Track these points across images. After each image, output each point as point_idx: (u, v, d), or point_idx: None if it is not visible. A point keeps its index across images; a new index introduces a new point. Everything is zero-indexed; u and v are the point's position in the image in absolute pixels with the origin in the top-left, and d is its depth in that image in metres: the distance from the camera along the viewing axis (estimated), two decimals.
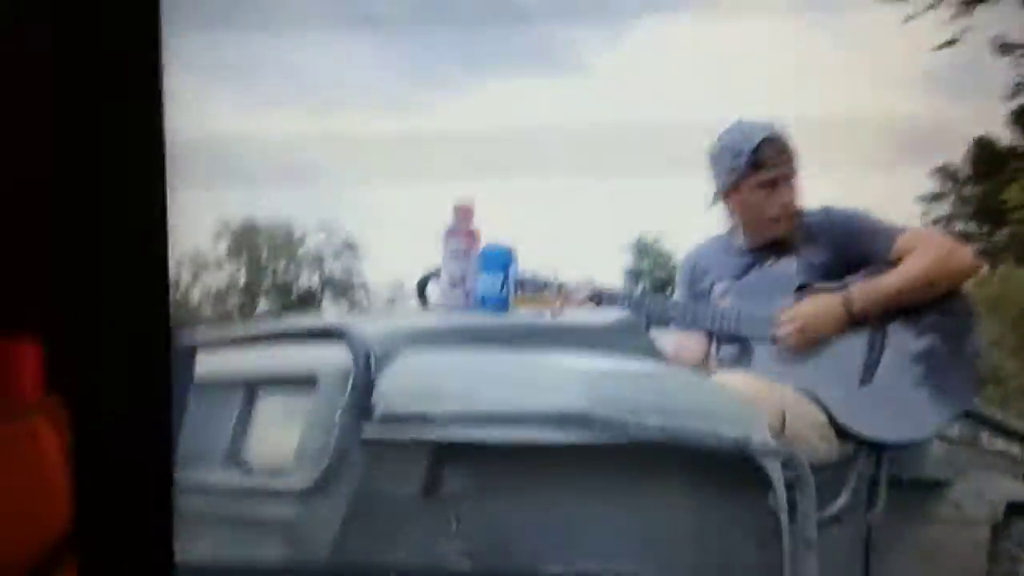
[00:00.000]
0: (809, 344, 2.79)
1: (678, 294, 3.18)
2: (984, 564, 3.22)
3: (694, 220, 3.51)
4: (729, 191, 2.94)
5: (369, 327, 1.88)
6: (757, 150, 2.87)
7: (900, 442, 2.81)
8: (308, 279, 32.35)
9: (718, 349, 2.98)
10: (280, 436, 1.81)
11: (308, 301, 30.99)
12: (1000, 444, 3.88)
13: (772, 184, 2.89)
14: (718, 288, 3.02)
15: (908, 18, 15.71)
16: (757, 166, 2.87)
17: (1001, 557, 3.30)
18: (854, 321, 2.79)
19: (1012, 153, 21.04)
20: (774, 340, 2.80)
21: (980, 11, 15.43)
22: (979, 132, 24.91)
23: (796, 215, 2.95)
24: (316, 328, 1.94)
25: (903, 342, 2.80)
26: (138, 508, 0.83)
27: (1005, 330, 16.93)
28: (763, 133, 2.89)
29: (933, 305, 2.83)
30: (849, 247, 2.88)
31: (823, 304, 2.81)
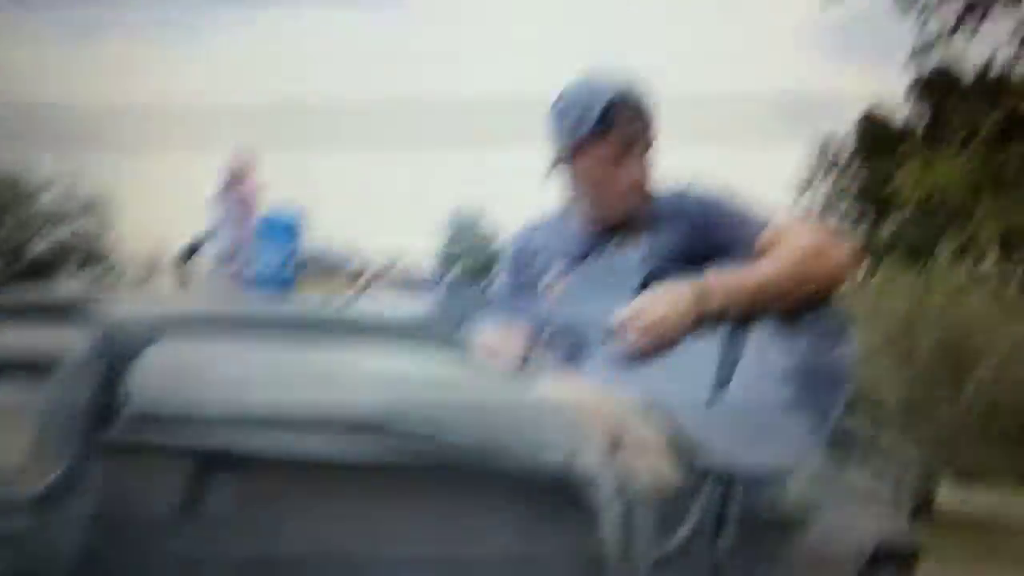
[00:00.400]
0: (654, 347, 2.85)
1: (500, 282, 3.21)
2: None
3: (522, 195, 3.55)
4: (570, 159, 2.99)
5: (118, 306, 1.86)
6: (607, 111, 2.93)
7: (755, 468, 2.89)
8: (43, 243, 31.45)
9: (545, 349, 3.02)
10: (8, 434, 1.78)
11: (43, 269, 30.14)
12: (869, 476, 4.03)
13: (622, 153, 2.95)
14: (549, 276, 3.06)
15: None
16: (606, 130, 2.94)
17: None
18: (708, 320, 2.87)
19: (905, 132, 21.61)
20: (613, 340, 2.85)
21: None
22: (867, 106, 25.59)
23: (648, 192, 3.01)
24: (52, 303, 1.91)
25: (763, 351, 2.88)
26: None
27: (882, 343, 17.43)
28: (615, 92, 2.94)
29: (801, 309, 2.92)
30: (707, 234, 2.95)
31: (673, 298, 2.86)
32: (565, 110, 2.96)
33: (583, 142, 2.95)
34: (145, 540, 1.74)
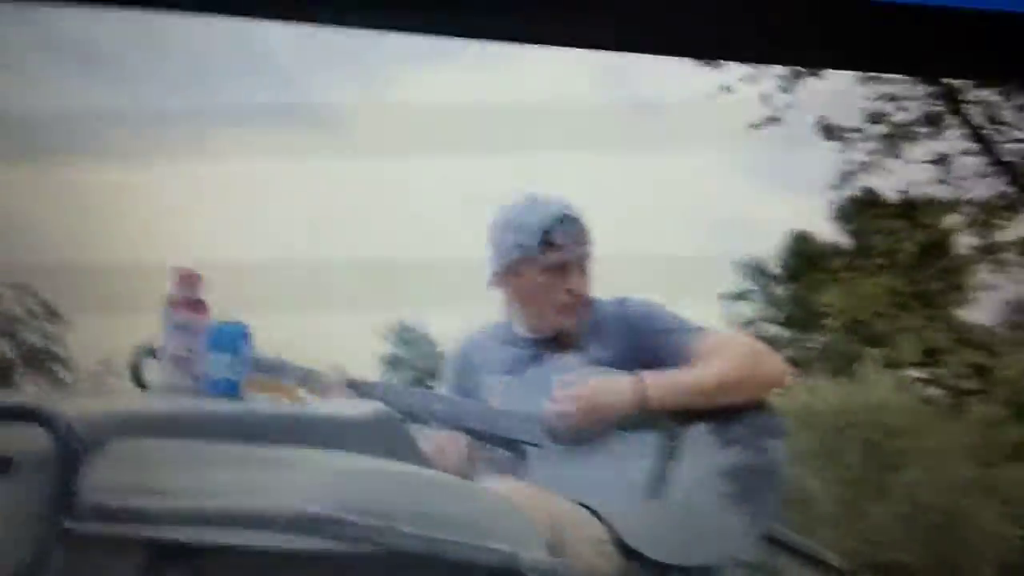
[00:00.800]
0: (591, 427, 2.88)
1: (444, 388, 3.23)
2: None
3: (465, 305, 3.58)
4: (511, 272, 3.04)
5: (73, 407, 1.87)
6: (549, 228, 2.98)
7: (690, 566, 2.89)
8: (1, 347, 31.12)
9: (488, 452, 3.04)
10: None
11: (1, 373, 29.79)
12: (802, 573, 4.05)
13: (563, 268, 3.00)
14: (490, 383, 3.09)
15: (723, 88, 16.16)
16: (548, 246, 2.99)
17: None
18: (645, 415, 2.89)
19: (832, 251, 21.86)
20: (550, 422, 2.88)
21: (804, 87, 16.01)
22: (796, 226, 25.89)
23: (586, 305, 3.05)
24: (11, 406, 1.91)
25: (697, 451, 2.91)
26: None
27: (812, 448, 17.56)
28: (557, 210, 3.00)
29: (734, 415, 2.94)
30: (643, 344, 2.99)
31: (612, 384, 2.91)
32: (507, 227, 3.01)
33: (525, 259, 3.01)
34: None
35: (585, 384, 2.90)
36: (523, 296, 3.06)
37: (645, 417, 2.90)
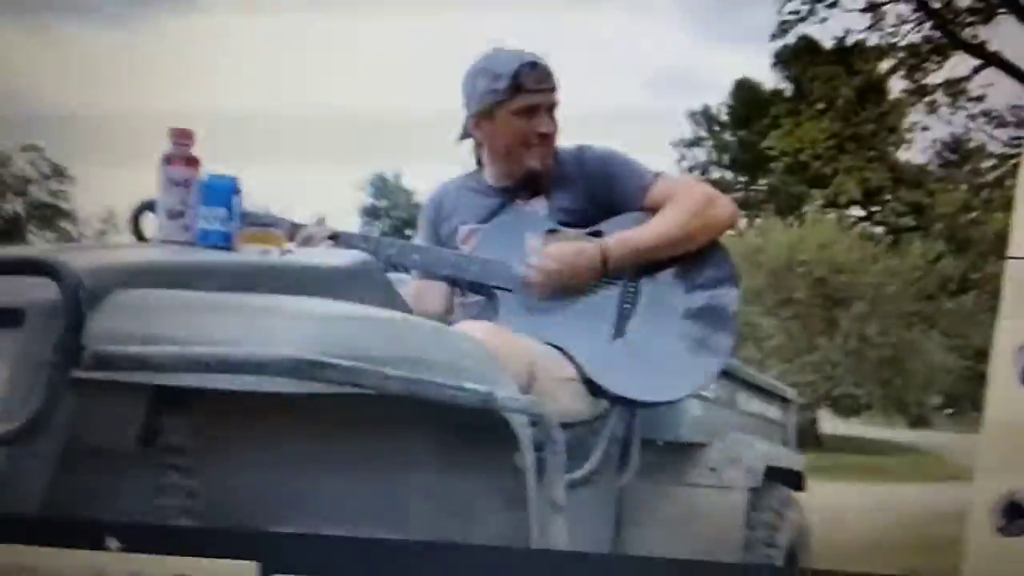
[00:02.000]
0: (560, 289, 2.91)
1: (420, 237, 3.25)
2: (741, 530, 3.37)
3: (440, 157, 3.57)
4: (483, 117, 3.04)
5: (79, 260, 1.86)
6: (518, 73, 2.97)
7: (654, 401, 2.96)
8: (12, 205, 30.99)
9: (463, 297, 3.06)
10: None
11: (12, 229, 29.70)
12: (758, 406, 4.11)
13: (532, 110, 3.00)
14: (462, 231, 3.10)
15: None
16: (517, 90, 2.98)
17: (759, 524, 3.47)
18: (608, 272, 2.93)
19: (775, 97, 21.80)
20: (523, 284, 2.90)
21: None
22: (740, 74, 25.79)
23: (552, 149, 3.05)
24: (20, 259, 1.90)
25: (657, 296, 2.95)
26: None
27: (763, 286, 17.72)
28: (525, 58, 2.99)
29: (689, 257, 2.98)
30: (603, 191, 3.01)
31: (578, 248, 2.93)
32: (478, 75, 3.01)
33: (496, 103, 3.00)
34: (109, 470, 1.77)
35: (555, 256, 2.92)
36: (496, 140, 3.07)
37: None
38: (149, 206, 2.51)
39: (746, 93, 25.92)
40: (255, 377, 1.72)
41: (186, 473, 1.80)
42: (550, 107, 3.02)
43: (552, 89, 3.02)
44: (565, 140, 3.12)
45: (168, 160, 2.27)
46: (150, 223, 2.55)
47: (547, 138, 3.01)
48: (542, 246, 2.94)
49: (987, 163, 17.45)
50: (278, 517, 1.85)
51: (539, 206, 3.04)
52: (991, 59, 14.98)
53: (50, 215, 31.19)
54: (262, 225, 2.37)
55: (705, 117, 27.92)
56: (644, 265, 2.95)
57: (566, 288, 2.91)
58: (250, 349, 1.75)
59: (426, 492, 2.07)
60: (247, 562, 1.73)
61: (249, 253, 2.27)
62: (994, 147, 16.97)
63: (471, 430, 2.09)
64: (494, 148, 3.06)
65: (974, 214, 17.82)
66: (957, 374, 18.51)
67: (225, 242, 2.25)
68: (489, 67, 3.01)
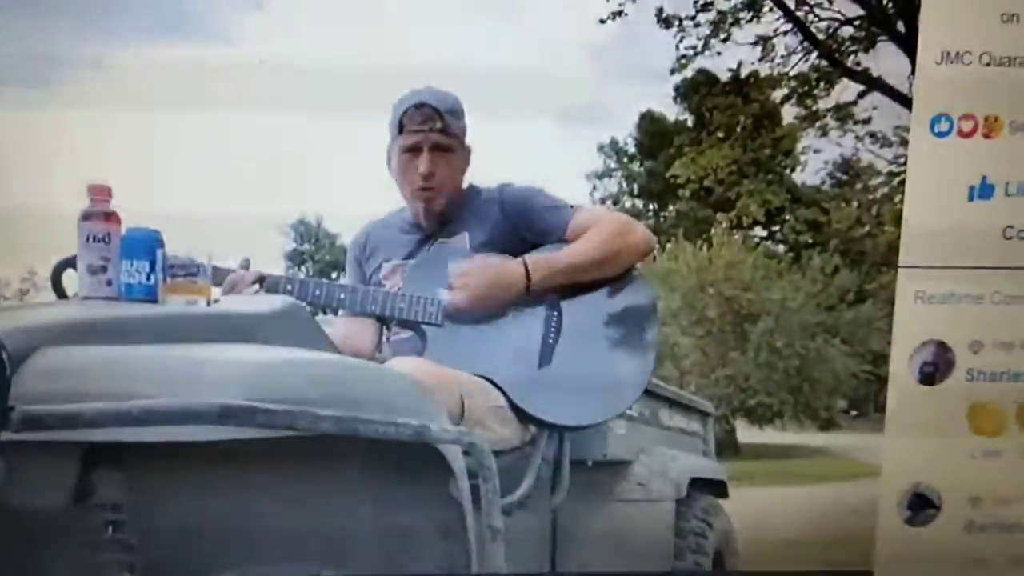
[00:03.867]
0: (485, 306, 2.86)
1: (348, 276, 3.19)
2: (671, 539, 3.39)
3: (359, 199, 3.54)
4: (389, 157, 3.02)
5: (1, 320, 1.79)
6: (405, 112, 2.94)
7: (579, 425, 2.93)
8: None
9: (390, 333, 3.01)
10: None
11: None
12: (679, 420, 4.11)
13: (415, 149, 2.95)
14: (386, 267, 3.06)
15: None
16: (401, 128, 2.96)
17: (687, 532, 3.50)
18: (530, 291, 2.88)
19: (678, 128, 22.11)
20: (448, 306, 2.86)
21: None
22: (644, 108, 26.10)
23: (468, 188, 3.01)
24: None
25: (579, 323, 2.91)
26: None
27: (678, 307, 17.92)
28: (416, 99, 2.95)
29: (608, 284, 2.95)
30: (524, 224, 2.97)
31: (499, 263, 2.89)
32: (420, 108, 2.95)
33: (392, 143, 2.99)
34: (45, 530, 1.68)
35: (476, 273, 2.87)
36: (396, 178, 3.04)
37: (531, 295, 2.88)
38: (70, 263, 2.43)
39: (650, 125, 26.21)
40: (186, 427, 1.65)
41: (123, 528, 1.71)
42: (433, 146, 2.96)
43: (435, 130, 2.95)
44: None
45: (86, 216, 2.18)
46: (71, 280, 2.47)
47: (428, 177, 2.96)
48: (467, 265, 2.89)
49: (875, 180, 17.78)
50: (219, 565, 1.78)
51: (460, 243, 2.99)
52: (874, 84, 15.26)
53: None
54: (187, 275, 2.28)
55: (614, 149, 28.15)
56: (566, 291, 2.91)
57: (490, 305, 2.86)
58: (179, 399, 1.67)
59: (366, 527, 2.01)
60: None
61: (175, 304, 2.19)
62: (881, 166, 17.29)
63: (406, 464, 2.04)
64: (398, 184, 3.01)
65: (866, 228, 18.17)
66: (860, 379, 18.77)
67: (149, 295, 2.17)
68: (397, 103, 2.98)
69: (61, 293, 2.55)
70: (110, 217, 2.19)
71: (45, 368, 1.73)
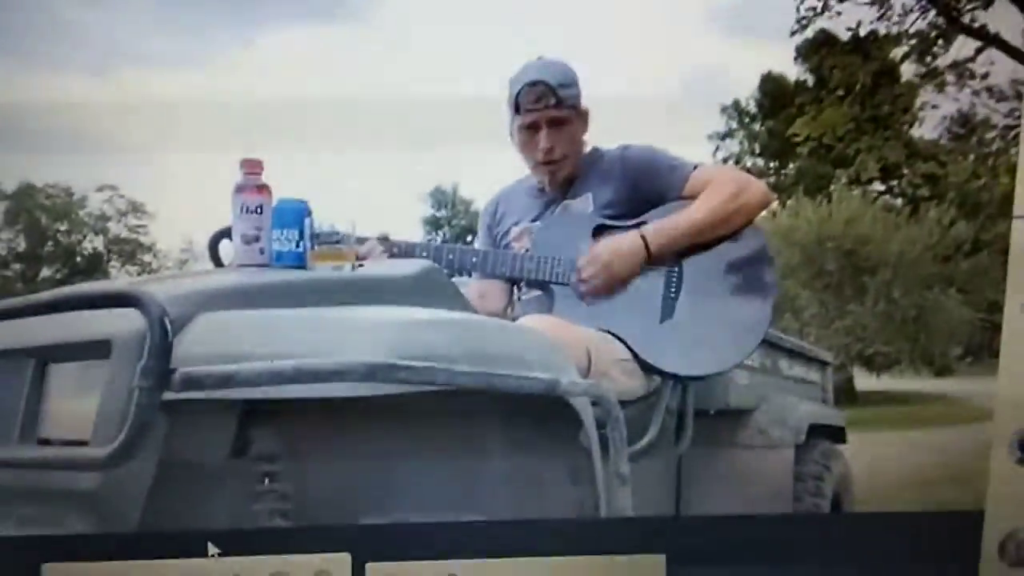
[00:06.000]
0: (611, 286, 2.86)
1: (480, 240, 3.21)
2: (791, 484, 3.37)
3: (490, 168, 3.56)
4: (512, 132, 3.02)
5: (162, 289, 1.84)
6: (519, 93, 2.93)
7: (702, 375, 2.91)
8: (92, 242, 31.08)
9: (521, 293, 3.03)
10: (77, 406, 1.76)
11: (94, 265, 29.82)
12: (798, 370, 4.06)
13: (533, 127, 2.95)
14: (514, 230, 3.07)
15: None
16: (517, 109, 2.95)
17: (806, 476, 3.47)
18: (652, 260, 2.87)
19: (799, 88, 21.71)
20: (577, 285, 2.86)
21: None
22: (766, 69, 25.69)
23: (565, 160, 2.99)
24: (106, 293, 1.88)
25: (700, 277, 2.88)
26: None
27: (798, 261, 17.69)
28: (529, 76, 2.94)
29: (728, 239, 2.91)
30: (644, 184, 2.94)
31: (622, 245, 2.87)
32: (534, 86, 2.93)
33: (512, 121, 2.99)
34: (204, 483, 1.74)
35: (600, 259, 2.86)
36: (519, 152, 3.04)
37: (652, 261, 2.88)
38: (225, 233, 2.49)
39: (771, 86, 25.78)
40: (334, 384, 1.69)
41: (277, 478, 1.76)
42: (550, 122, 2.95)
43: (549, 106, 2.93)
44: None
45: (240, 189, 2.23)
46: (227, 250, 2.52)
47: (549, 152, 2.95)
48: (589, 248, 2.89)
49: (991, 134, 17.30)
50: (365, 510, 1.82)
51: (584, 204, 2.98)
52: (991, 40, 14.83)
53: (131, 250, 31.16)
54: (332, 243, 2.32)
55: (736, 110, 27.77)
56: (685, 251, 2.88)
57: (617, 282, 2.86)
58: (329, 358, 1.71)
59: (500, 476, 2.03)
60: (340, 554, 1.71)
61: (322, 270, 2.24)
62: (997, 119, 16.81)
63: (538, 415, 2.06)
64: (546, 149, 2.99)
65: (982, 181, 17.69)
66: (975, 326, 18.36)
67: (299, 262, 2.21)
68: (512, 81, 2.97)
69: (218, 261, 2.62)
70: (262, 189, 2.24)
71: (204, 332, 1.78)
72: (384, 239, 2.87)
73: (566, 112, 2.95)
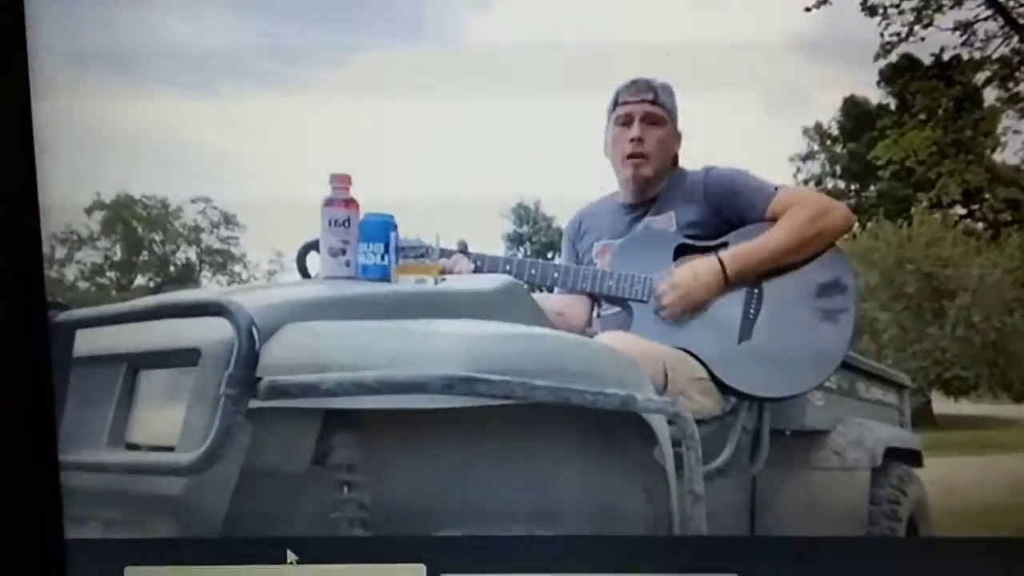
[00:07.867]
0: (690, 310, 2.83)
1: (563, 255, 3.20)
2: (866, 507, 3.31)
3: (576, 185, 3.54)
4: (606, 136, 3.02)
5: (251, 299, 1.85)
6: (621, 88, 2.96)
7: (779, 396, 2.86)
8: (185, 253, 31.52)
9: (600, 309, 3.01)
10: (165, 412, 1.78)
11: (186, 275, 30.21)
12: (876, 392, 3.99)
13: (628, 119, 2.94)
14: (596, 246, 3.05)
15: None
16: (617, 102, 2.96)
17: (882, 499, 3.41)
18: (730, 284, 2.84)
19: (881, 111, 21.46)
20: (656, 307, 2.84)
21: None
22: (848, 92, 25.38)
23: (652, 158, 2.96)
24: (197, 302, 1.90)
25: (780, 299, 2.84)
26: (24, 487, 0.81)
27: (877, 283, 17.45)
28: (632, 78, 2.96)
29: (808, 261, 2.87)
30: (727, 205, 2.91)
31: (700, 271, 2.84)
32: (635, 82, 2.96)
33: (609, 121, 2.99)
34: (284, 492, 1.75)
35: (678, 284, 2.83)
36: (609, 153, 3.03)
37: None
38: (313, 246, 2.50)
39: (853, 109, 25.43)
40: (414, 395, 1.69)
41: (357, 488, 1.76)
42: (644, 116, 2.94)
43: (645, 101, 2.94)
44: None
45: (329, 203, 2.25)
46: (314, 262, 2.54)
47: (638, 142, 2.94)
48: (671, 270, 2.86)
49: None
50: (441, 522, 1.82)
51: (666, 222, 2.96)
52: None
53: (222, 260, 31.52)
54: (416, 256, 2.32)
55: (817, 132, 27.51)
56: (765, 275, 2.85)
57: (696, 306, 2.83)
58: (410, 370, 1.71)
59: (575, 490, 2.02)
60: (415, 564, 1.71)
61: (406, 283, 2.24)
62: None
63: (614, 431, 2.05)
64: (611, 160, 2.99)
65: None
66: None
67: (383, 275, 2.22)
68: (642, 77, 2.98)
69: (305, 273, 2.63)
70: (350, 204, 2.25)
71: (290, 341, 1.78)
72: (464, 247, 2.87)
73: (661, 111, 2.95)
